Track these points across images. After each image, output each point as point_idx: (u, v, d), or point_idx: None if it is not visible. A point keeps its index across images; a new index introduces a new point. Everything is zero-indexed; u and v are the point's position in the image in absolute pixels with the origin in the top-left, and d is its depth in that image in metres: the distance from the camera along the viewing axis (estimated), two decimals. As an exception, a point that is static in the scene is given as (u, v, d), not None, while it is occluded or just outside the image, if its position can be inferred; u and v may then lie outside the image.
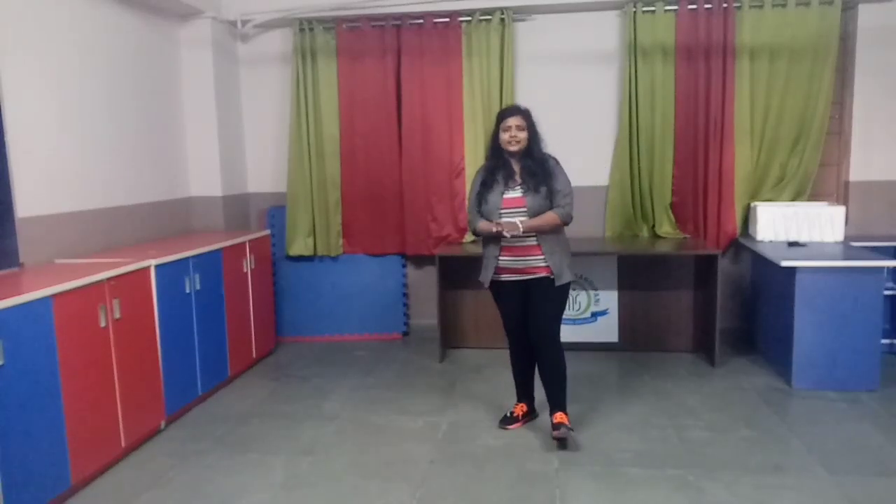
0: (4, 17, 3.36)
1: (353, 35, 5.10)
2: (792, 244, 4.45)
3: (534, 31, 5.07)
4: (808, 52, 4.73)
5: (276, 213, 5.37)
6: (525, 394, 3.67)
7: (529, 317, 3.42)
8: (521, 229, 3.20)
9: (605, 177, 5.11)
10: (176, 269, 3.79)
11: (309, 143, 5.17)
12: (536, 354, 3.47)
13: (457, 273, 4.84)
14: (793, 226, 4.57)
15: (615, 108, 5.06)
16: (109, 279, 3.21)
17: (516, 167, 3.37)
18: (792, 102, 4.80)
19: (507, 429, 3.58)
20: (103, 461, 3.19)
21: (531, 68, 5.08)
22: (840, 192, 5.01)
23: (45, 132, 3.62)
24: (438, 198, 5.16)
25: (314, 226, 5.26)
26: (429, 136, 5.11)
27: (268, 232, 5.11)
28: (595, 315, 4.97)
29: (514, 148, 3.32)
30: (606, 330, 4.94)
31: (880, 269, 3.92)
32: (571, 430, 3.35)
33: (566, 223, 3.35)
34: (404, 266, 5.40)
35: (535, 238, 3.30)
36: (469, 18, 4.99)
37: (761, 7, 4.75)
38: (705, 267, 4.63)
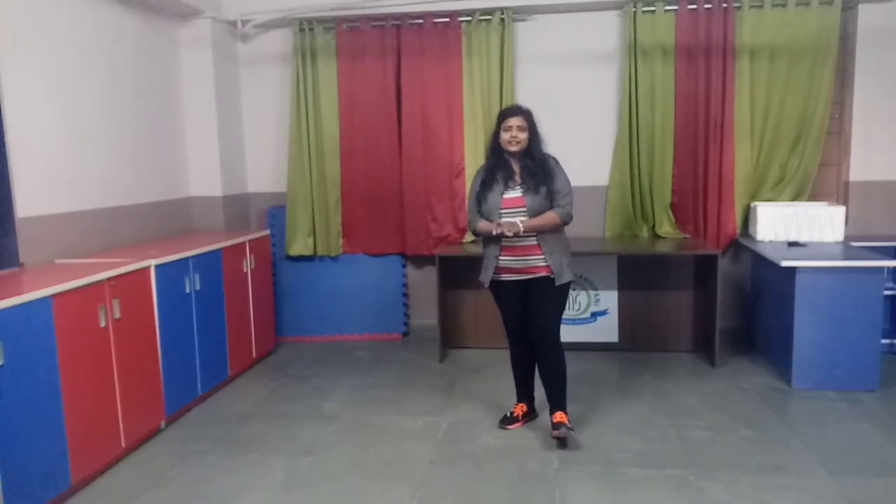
0: (4, 17, 3.36)
1: (353, 35, 5.10)
2: (792, 244, 4.45)
3: (534, 31, 5.07)
4: (808, 52, 4.73)
5: (276, 213, 5.37)
6: (525, 394, 3.67)
7: (529, 316, 3.42)
8: (522, 229, 3.21)
9: (605, 177, 5.11)
10: (176, 269, 3.79)
11: (309, 143, 5.18)
12: (536, 354, 3.48)
13: (457, 273, 4.84)
14: (793, 226, 4.57)
15: (615, 108, 5.06)
16: (109, 279, 3.21)
17: (516, 167, 3.37)
18: (792, 102, 4.80)
19: (507, 429, 3.58)
20: (103, 461, 3.19)
21: (531, 68, 5.08)
22: (840, 192, 5.01)
23: (45, 132, 3.62)
24: (438, 198, 5.16)
25: (314, 226, 5.26)
26: (429, 136, 5.11)
27: (268, 232, 5.11)
28: (595, 315, 4.97)
29: (514, 148, 3.32)
30: (606, 330, 4.94)
31: (880, 269, 3.92)
32: (571, 429, 3.35)
33: (566, 223, 3.35)
34: (404, 266, 5.40)
35: (535, 238, 3.30)
36: (469, 18, 4.99)
37: (761, 7, 4.75)
38: (705, 267, 4.63)
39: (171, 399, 3.72)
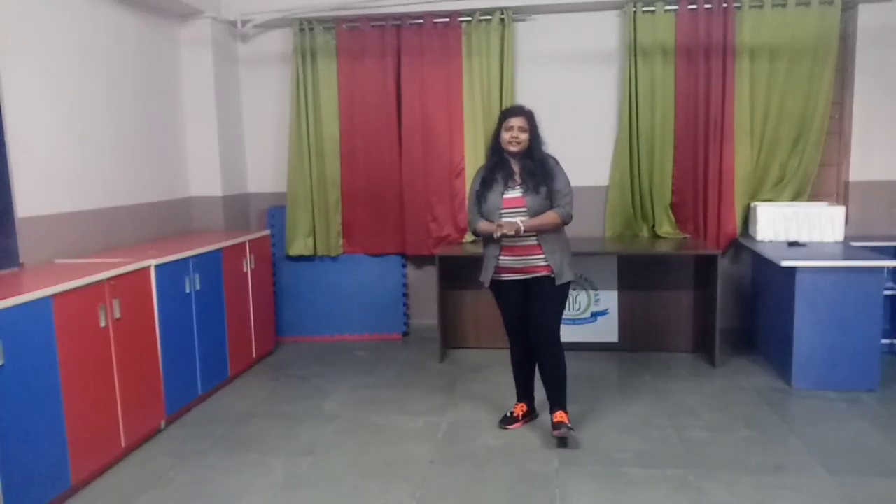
0: (4, 17, 3.36)
1: (353, 35, 5.10)
2: (792, 244, 4.45)
3: (534, 31, 5.07)
4: (808, 52, 4.73)
5: (276, 213, 5.37)
6: (525, 394, 3.67)
7: (530, 316, 3.42)
8: (523, 229, 3.21)
9: (605, 177, 5.11)
10: (176, 269, 3.79)
11: (309, 143, 5.17)
12: (537, 353, 3.48)
13: (457, 273, 4.84)
14: (793, 226, 4.57)
15: (615, 108, 5.06)
16: (109, 279, 3.21)
17: (516, 167, 3.38)
18: (792, 102, 4.80)
19: (507, 429, 3.58)
20: (103, 461, 3.19)
21: (531, 68, 5.08)
22: (840, 192, 5.01)
23: (45, 132, 3.62)
24: (438, 198, 5.16)
25: (314, 226, 5.26)
26: (429, 136, 5.11)
27: (268, 232, 5.11)
28: (595, 315, 4.97)
29: (514, 148, 3.32)
30: (606, 330, 4.94)
31: (880, 269, 3.92)
32: (572, 429, 3.35)
33: (566, 223, 3.35)
34: (404, 266, 5.40)
35: (535, 237, 3.30)
36: (469, 18, 4.99)
37: (761, 7, 4.75)
38: (705, 267, 4.63)
39: (171, 399, 3.72)
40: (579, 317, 4.96)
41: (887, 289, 4.28)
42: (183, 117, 4.96)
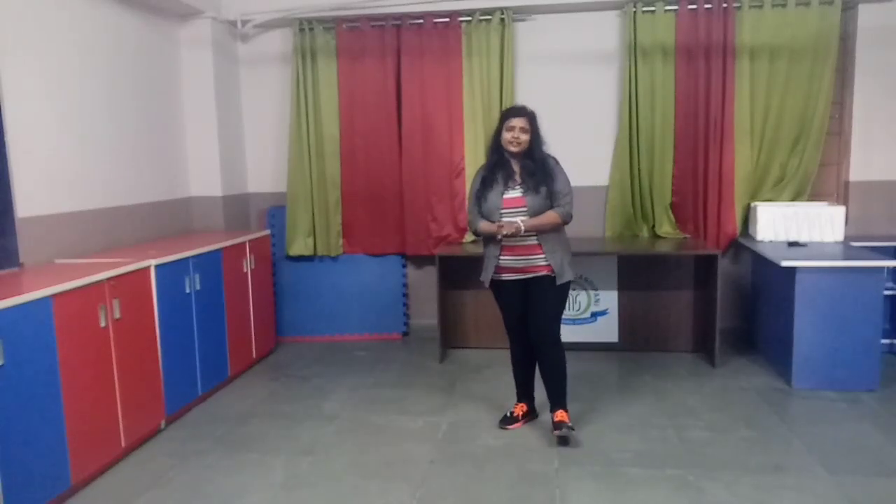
0: (4, 17, 3.36)
1: (352, 35, 5.10)
2: (792, 244, 4.45)
3: (534, 31, 5.07)
4: (808, 52, 4.73)
5: (276, 213, 5.37)
6: (525, 394, 3.67)
7: (530, 315, 3.42)
8: (523, 229, 3.21)
9: (605, 177, 5.11)
10: (176, 269, 3.79)
11: (309, 143, 5.17)
12: (537, 353, 3.48)
13: (457, 273, 4.84)
14: (793, 226, 4.57)
15: (615, 108, 5.06)
16: (109, 279, 3.21)
17: (516, 167, 3.38)
18: (792, 102, 4.80)
19: (507, 429, 3.58)
20: (103, 461, 3.19)
21: (531, 68, 5.08)
22: (840, 192, 5.01)
23: (45, 132, 3.62)
24: (438, 198, 5.16)
25: (314, 226, 5.26)
26: (429, 136, 5.11)
27: (268, 232, 5.11)
28: (595, 315, 4.97)
29: (514, 149, 3.32)
30: (606, 330, 4.94)
31: (880, 269, 3.92)
32: (572, 428, 3.35)
33: (566, 222, 3.36)
34: (404, 266, 5.40)
35: (535, 237, 3.30)
36: (469, 18, 4.99)
37: (761, 7, 4.75)
38: (705, 267, 4.63)
39: (171, 399, 3.72)
40: (579, 317, 4.96)
41: (887, 289, 4.28)
42: (183, 117, 4.96)
